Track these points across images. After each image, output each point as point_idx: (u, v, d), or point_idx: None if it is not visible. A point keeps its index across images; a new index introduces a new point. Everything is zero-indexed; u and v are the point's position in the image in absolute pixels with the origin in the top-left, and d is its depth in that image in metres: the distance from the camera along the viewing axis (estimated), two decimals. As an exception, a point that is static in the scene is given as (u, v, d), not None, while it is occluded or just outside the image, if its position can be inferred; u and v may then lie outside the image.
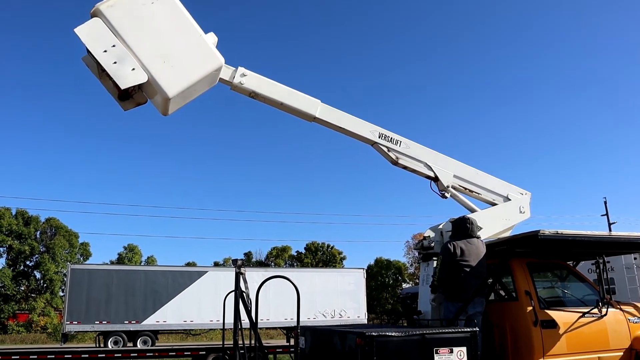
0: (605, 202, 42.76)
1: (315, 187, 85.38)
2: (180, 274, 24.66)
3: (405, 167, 7.28)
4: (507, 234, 7.39)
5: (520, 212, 7.61)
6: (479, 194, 7.57)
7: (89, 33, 5.45)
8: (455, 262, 6.34)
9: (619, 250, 9.23)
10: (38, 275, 45.24)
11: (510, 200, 7.60)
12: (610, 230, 40.05)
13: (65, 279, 32.13)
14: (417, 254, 10.02)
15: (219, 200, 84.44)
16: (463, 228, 6.57)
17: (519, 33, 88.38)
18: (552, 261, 7.31)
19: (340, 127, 7.10)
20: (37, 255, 45.25)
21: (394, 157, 7.20)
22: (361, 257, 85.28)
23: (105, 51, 5.43)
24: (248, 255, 59.16)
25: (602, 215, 42.75)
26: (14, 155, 71.30)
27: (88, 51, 5.58)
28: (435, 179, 7.30)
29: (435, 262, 6.87)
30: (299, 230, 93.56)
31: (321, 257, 57.91)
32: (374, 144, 7.20)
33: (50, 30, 75.14)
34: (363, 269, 28.37)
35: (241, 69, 6.58)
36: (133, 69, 5.50)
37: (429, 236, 7.16)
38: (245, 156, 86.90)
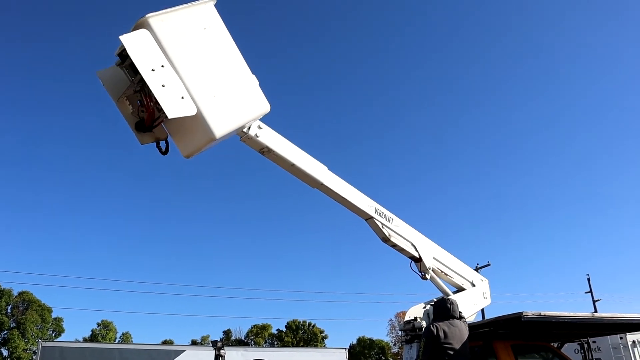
0: (589, 279, 42.64)
1: (296, 264, 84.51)
2: (157, 353, 23.64)
3: (394, 245, 7.06)
4: (472, 319, 7.37)
5: (484, 297, 7.71)
6: (451, 277, 7.58)
7: (137, 45, 4.56)
8: (439, 345, 6.21)
9: (604, 331, 9.16)
10: (5, 352, 43.09)
11: (475, 285, 7.66)
12: (595, 308, 39.76)
13: (34, 357, 30.63)
14: (401, 333, 9.89)
15: (198, 277, 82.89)
16: (444, 309, 6.48)
17: (497, 94, 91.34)
18: (537, 343, 7.22)
19: (343, 197, 6.65)
20: (6, 331, 43.32)
21: (386, 233, 6.89)
22: (343, 336, 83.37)
23: (153, 70, 4.60)
24: (227, 333, 57.51)
25: (586, 293, 42.41)
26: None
27: (125, 66, 4.92)
28: (419, 260, 7.22)
29: (418, 345, 6.73)
30: (280, 307, 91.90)
31: (302, 335, 56.38)
32: (369, 218, 6.87)
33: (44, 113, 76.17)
34: (345, 348, 27.49)
35: (257, 121, 5.90)
36: (182, 98, 4.73)
37: (418, 318, 7.04)
38: (226, 231, 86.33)
